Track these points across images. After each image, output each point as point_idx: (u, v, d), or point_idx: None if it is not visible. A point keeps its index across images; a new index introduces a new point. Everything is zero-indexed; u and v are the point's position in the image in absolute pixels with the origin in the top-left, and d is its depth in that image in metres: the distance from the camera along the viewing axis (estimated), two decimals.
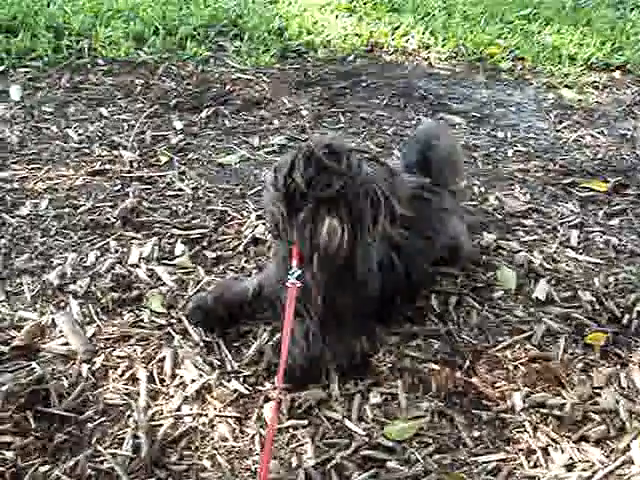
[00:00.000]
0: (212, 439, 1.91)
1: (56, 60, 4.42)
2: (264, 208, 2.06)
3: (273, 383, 2.07)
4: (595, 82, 4.72)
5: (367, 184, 1.93)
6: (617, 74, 4.91)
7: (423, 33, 5.25)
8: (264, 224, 2.79)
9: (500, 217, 2.99)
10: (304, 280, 2.03)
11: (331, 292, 2.10)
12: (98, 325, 2.28)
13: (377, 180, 1.97)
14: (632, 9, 6.59)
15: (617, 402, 2.08)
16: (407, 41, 5.16)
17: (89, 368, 2.11)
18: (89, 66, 4.40)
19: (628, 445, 1.94)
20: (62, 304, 2.38)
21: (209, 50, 4.72)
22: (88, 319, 2.31)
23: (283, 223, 1.94)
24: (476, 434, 1.96)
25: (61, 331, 2.25)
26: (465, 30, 5.34)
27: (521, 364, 2.20)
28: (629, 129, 4.02)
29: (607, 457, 1.90)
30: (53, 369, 2.10)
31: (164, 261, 2.60)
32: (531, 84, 4.63)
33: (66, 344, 2.20)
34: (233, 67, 4.49)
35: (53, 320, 2.29)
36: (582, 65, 4.96)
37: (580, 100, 4.39)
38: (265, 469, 1.64)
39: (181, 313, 2.34)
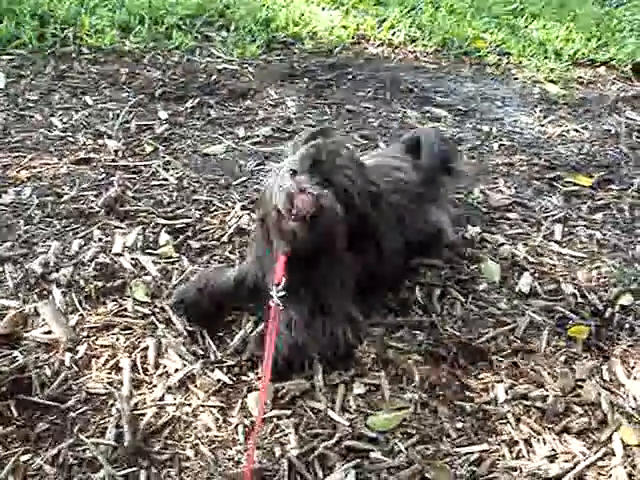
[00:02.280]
0: (195, 429, 1.91)
1: (41, 48, 4.39)
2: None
3: (257, 373, 2.07)
4: (580, 77, 4.74)
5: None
6: (602, 70, 4.93)
7: (410, 26, 5.24)
8: (251, 214, 2.79)
9: (485, 210, 2.99)
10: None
11: (312, 273, 2.12)
12: (81, 314, 2.27)
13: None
14: (617, 6, 6.63)
15: (599, 394, 2.09)
16: (394, 34, 5.16)
17: (72, 357, 2.10)
18: (74, 54, 4.37)
19: (609, 437, 1.96)
20: (45, 293, 2.37)
21: (195, 40, 4.70)
22: (71, 308, 2.30)
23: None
24: (459, 425, 1.97)
25: (44, 320, 2.23)
26: (451, 24, 5.33)
27: (504, 356, 2.21)
28: (613, 124, 4.04)
29: (589, 449, 1.92)
30: (36, 358, 2.09)
31: (148, 250, 2.59)
32: (517, 79, 4.64)
33: (49, 333, 2.19)
34: (219, 57, 4.47)
35: (36, 309, 2.28)
36: (568, 60, 4.97)
37: (565, 95, 4.41)
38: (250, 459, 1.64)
39: (165, 303, 2.32)
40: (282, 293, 2.01)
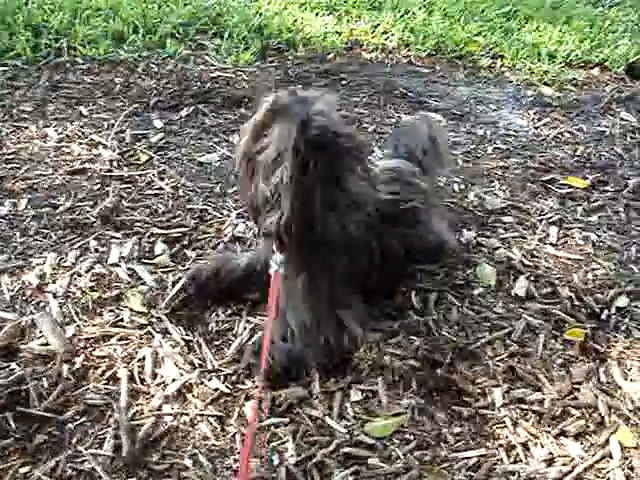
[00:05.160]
0: (193, 438, 1.91)
1: (35, 59, 4.38)
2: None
3: (254, 382, 2.07)
4: (574, 79, 4.75)
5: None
6: (596, 71, 4.95)
7: (403, 31, 5.26)
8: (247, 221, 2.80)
9: (480, 214, 3.00)
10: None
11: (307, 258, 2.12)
12: (78, 325, 2.27)
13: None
14: (611, 6, 6.65)
15: (596, 397, 2.09)
16: (387, 39, 5.17)
17: (69, 368, 2.10)
18: (68, 65, 4.37)
19: (607, 440, 1.96)
20: (42, 304, 2.37)
21: (189, 48, 4.70)
22: (68, 319, 2.30)
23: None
24: (456, 430, 1.97)
25: (41, 331, 2.23)
26: (445, 28, 5.35)
27: (501, 360, 2.22)
28: (607, 126, 4.05)
29: (586, 452, 1.92)
30: (33, 370, 2.08)
31: (144, 260, 2.59)
32: (510, 81, 4.65)
33: (46, 344, 2.19)
34: (213, 65, 4.47)
35: (33, 320, 2.27)
36: (561, 62, 4.99)
37: (559, 97, 4.42)
38: (246, 467, 1.64)
39: (161, 312, 2.33)
40: (281, 258, 2.04)
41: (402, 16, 5.58)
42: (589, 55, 5.14)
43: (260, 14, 5.29)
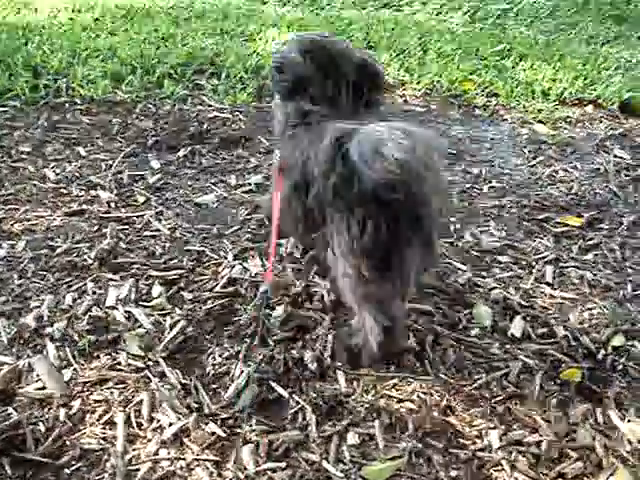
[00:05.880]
0: None
1: (34, 99, 4.42)
2: None
3: (251, 425, 2.07)
4: (568, 117, 4.79)
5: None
6: (589, 109, 4.98)
7: (398, 70, 5.30)
8: (243, 263, 2.82)
9: (476, 254, 3.01)
10: None
11: None
12: (75, 368, 2.27)
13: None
14: (603, 44, 6.72)
15: (593, 438, 2.10)
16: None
17: (66, 412, 2.10)
18: (67, 105, 4.40)
19: None
20: (39, 347, 2.37)
21: (186, 89, 4.74)
22: (65, 362, 2.30)
23: None
24: (453, 474, 1.97)
25: (38, 375, 2.23)
26: (440, 67, 5.40)
27: (498, 402, 2.22)
28: (602, 163, 4.08)
29: None
30: (30, 414, 2.08)
31: (141, 303, 2.59)
32: (505, 120, 4.68)
33: (43, 388, 2.19)
34: (210, 105, 4.51)
35: (30, 364, 2.28)
36: (555, 100, 5.03)
37: (553, 135, 4.45)
38: None
39: (158, 355, 2.33)
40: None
41: (397, 55, 5.63)
42: (583, 92, 5.18)
43: (257, 54, 5.34)
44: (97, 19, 6.24)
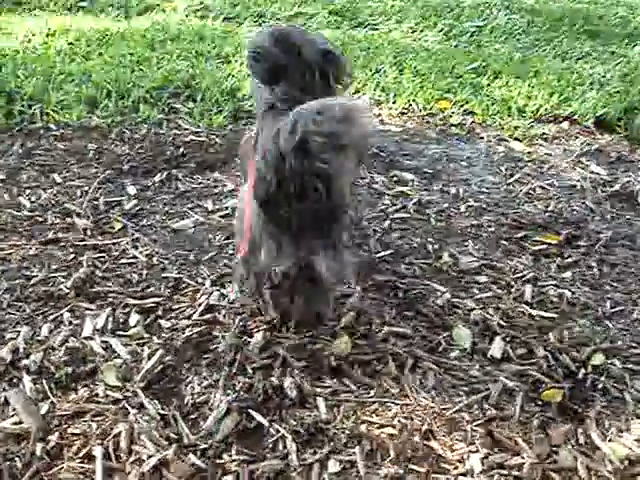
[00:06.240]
0: None
1: (8, 126, 4.39)
2: None
3: (231, 455, 2.05)
4: (544, 134, 4.81)
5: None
6: (565, 125, 5.00)
7: (374, 90, 5.31)
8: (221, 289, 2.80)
9: (455, 274, 3.01)
10: None
11: None
12: (52, 401, 2.24)
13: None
14: (578, 59, 6.76)
15: (575, 459, 2.09)
16: (359, 98, 5.21)
17: (43, 447, 2.06)
18: (42, 131, 4.38)
19: None
20: (15, 380, 2.34)
21: (162, 112, 4.72)
22: (42, 395, 2.27)
23: None
24: None
25: (14, 409, 2.21)
26: (416, 86, 5.41)
27: (479, 425, 2.21)
28: (578, 179, 4.10)
29: None
30: (6, 449, 2.05)
31: (118, 332, 2.57)
32: (482, 138, 4.69)
33: (19, 422, 2.16)
34: (186, 129, 4.49)
35: (6, 398, 2.25)
36: (531, 117, 5.05)
37: (530, 152, 4.47)
38: None
39: (137, 386, 2.31)
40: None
41: (373, 74, 5.64)
42: (558, 109, 5.20)
43: (232, 76, 5.33)
44: (71, 43, 6.20)
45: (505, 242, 3.31)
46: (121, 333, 2.57)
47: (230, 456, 2.05)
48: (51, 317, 2.65)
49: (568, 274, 3.08)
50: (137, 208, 3.49)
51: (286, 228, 2.27)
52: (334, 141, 1.99)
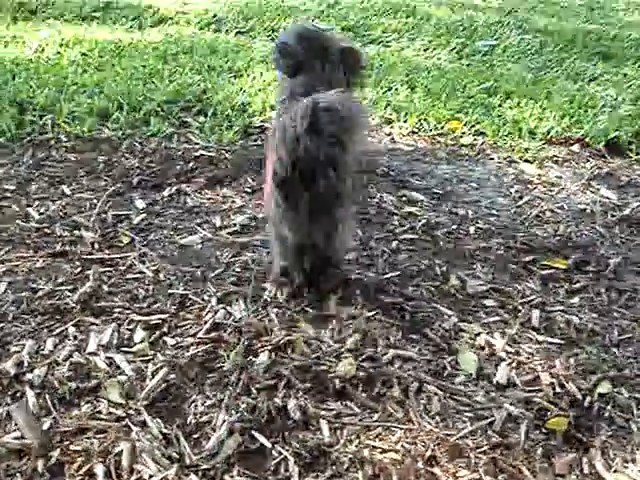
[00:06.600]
0: None
1: (19, 136, 4.41)
2: None
3: (233, 477, 2.04)
4: (555, 156, 4.79)
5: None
6: (576, 147, 4.98)
7: (385, 108, 5.31)
8: (227, 307, 2.79)
9: (462, 297, 2.99)
10: None
11: None
12: (55, 417, 2.23)
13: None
14: (590, 81, 6.75)
15: None
16: (370, 116, 5.21)
17: (44, 464, 2.05)
18: (52, 142, 4.39)
19: None
20: (18, 394, 2.33)
21: (173, 126, 4.73)
22: (45, 411, 2.26)
23: None
24: None
25: (16, 424, 2.20)
26: (427, 105, 5.40)
27: (483, 452, 2.19)
28: (588, 203, 4.08)
29: None
30: (7, 465, 2.05)
31: (123, 348, 2.56)
32: (492, 159, 4.68)
33: (21, 438, 2.15)
34: (197, 144, 4.49)
35: (8, 412, 2.24)
36: (542, 139, 5.03)
37: (540, 175, 4.46)
38: None
39: (140, 404, 2.30)
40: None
41: (384, 93, 5.64)
42: (569, 131, 5.18)
43: (244, 91, 5.34)
44: (85, 54, 6.24)
45: (513, 265, 3.30)
46: (126, 349, 2.56)
47: (232, 477, 2.04)
48: (56, 331, 2.65)
49: (576, 300, 3.06)
50: (145, 222, 3.49)
51: (297, 208, 2.62)
52: (341, 121, 2.39)
